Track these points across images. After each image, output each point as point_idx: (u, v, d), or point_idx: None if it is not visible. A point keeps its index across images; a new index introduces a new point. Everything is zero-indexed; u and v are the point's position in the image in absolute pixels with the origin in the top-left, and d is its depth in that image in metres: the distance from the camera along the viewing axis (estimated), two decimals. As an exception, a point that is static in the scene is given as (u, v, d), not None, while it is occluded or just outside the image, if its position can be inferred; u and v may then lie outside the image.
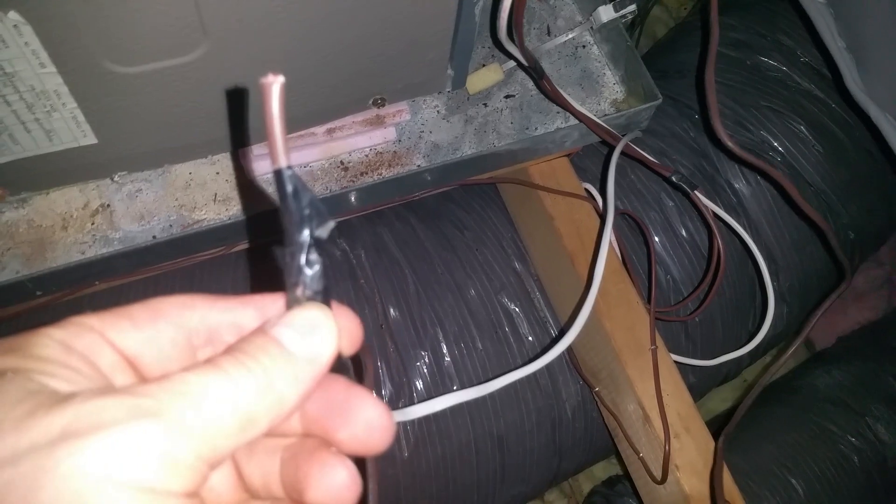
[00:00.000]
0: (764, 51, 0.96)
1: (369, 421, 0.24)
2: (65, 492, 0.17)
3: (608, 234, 0.61)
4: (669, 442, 0.62)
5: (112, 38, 0.44)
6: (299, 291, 0.22)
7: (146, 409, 0.19)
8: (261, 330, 0.22)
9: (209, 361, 0.21)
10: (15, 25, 0.41)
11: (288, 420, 0.23)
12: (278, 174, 0.21)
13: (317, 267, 0.22)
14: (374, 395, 0.25)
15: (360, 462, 0.25)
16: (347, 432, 0.24)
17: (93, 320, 0.22)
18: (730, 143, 0.55)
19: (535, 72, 0.62)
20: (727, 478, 0.62)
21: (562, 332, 0.78)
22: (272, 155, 0.21)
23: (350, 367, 0.25)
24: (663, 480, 0.63)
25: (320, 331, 0.22)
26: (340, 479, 0.24)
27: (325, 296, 0.22)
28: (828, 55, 0.67)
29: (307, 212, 0.21)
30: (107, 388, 0.20)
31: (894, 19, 0.54)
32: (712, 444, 0.64)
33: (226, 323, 0.24)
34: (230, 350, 0.21)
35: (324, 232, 0.22)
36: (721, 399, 1.27)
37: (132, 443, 0.18)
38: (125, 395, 0.19)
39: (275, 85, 0.21)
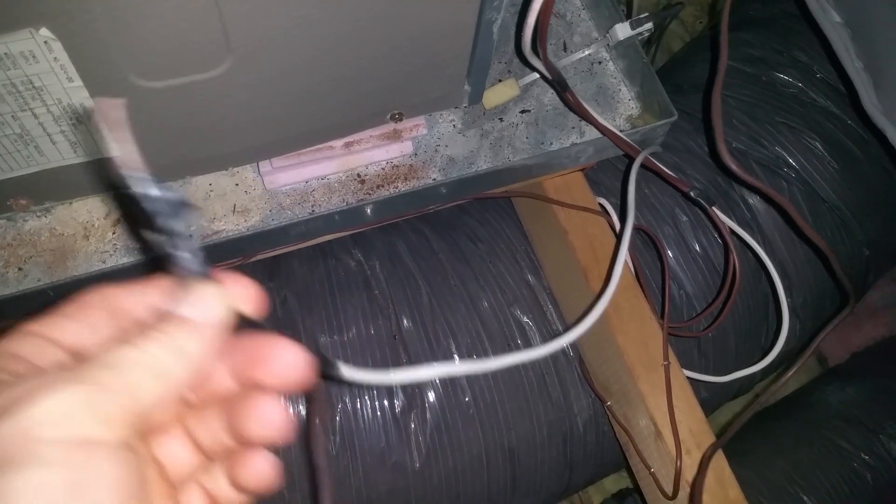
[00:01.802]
0: (779, 66, 0.96)
1: (286, 360, 0.28)
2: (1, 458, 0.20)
3: (627, 241, 0.60)
4: (681, 458, 0.63)
5: (139, 54, 0.45)
6: (185, 273, 0.26)
7: (70, 378, 0.22)
8: (164, 310, 0.26)
9: (123, 339, 0.24)
10: (46, 41, 0.42)
11: (208, 375, 0.28)
12: (131, 179, 0.24)
13: (190, 252, 0.26)
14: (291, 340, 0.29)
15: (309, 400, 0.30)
16: (269, 374, 0.28)
17: (32, 325, 0.26)
18: (733, 166, 0.56)
19: (558, 84, 0.63)
20: (737, 493, 0.62)
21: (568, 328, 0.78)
22: (119, 162, 0.24)
23: (266, 326, 0.28)
24: (674, 496, 0.63)
25: (209, 301, 0.26)
26: (271, 410, 0.28)
27: (207, 272, 0.26)
28: (843, 73, 0.67)
29: (169, 207, 0.25)
30: (38, 373, 0.23)
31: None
32: (724, 461, 0.64)
33: (141, 305, 0.28)
34: (142, 328, 0.25)
35: (187, 221, 0.25)
36: (733, 413, 1.26)
37: (60, 405, 0.21)
38: (52, 374, 0.23)
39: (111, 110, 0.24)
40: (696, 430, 0.64)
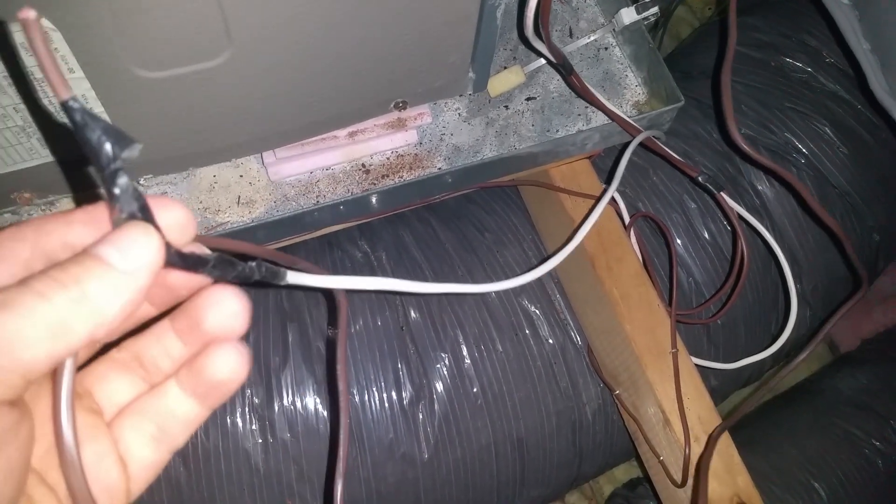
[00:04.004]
0: (788, 51, 0.95)
1: (224, 311, 0.26)
2: None
3: (602, 207, 0.59)
4: (689, 445, 0.62)
5: (138, 44, 0.44)
6: (118, 211, 0.23)
7: None
8: (84, 250, 0.23)
9: (21, 281, 0.21)
10: (45, 32, 0.41)
11: (123, 323, 0.25)
12: (64, 106, 0.22)
13: (126, 187, 0.23)
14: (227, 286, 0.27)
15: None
16: (208, 328, 0.27)
17: None
18: (745, 146, 0.55)
19: (563, 68, 0.62)
20: (745, 479, 0.62)
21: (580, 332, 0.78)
22: (53, 88, 0.22)
23: (211, 260, 0.25)
24: (683, 484, 0.63)
25: (137, 245, 0.23)
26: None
27: (144, 211, 0.23)
28: (852, 57, 0.66)
29: (104, 137, 0.22)
30: None
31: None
32: (733, 448, 0.63)
33: (58, 243, 0.25)
34: (52, 268, 0.22)
35: (128, 152, 0.22)
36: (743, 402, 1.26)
37: None
38: None
39: (31, 20, 0.21)
40: (704, 418, 0.64)
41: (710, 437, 0.61)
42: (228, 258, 0.26)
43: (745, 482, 0.62)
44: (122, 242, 0.22)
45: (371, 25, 0.50)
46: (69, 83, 0.22)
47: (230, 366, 0.27)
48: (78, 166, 0.54)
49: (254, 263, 0.26)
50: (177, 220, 0.25)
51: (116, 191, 0.22)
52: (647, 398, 0.66)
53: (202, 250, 0.26)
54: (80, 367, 0.28)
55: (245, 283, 0.27)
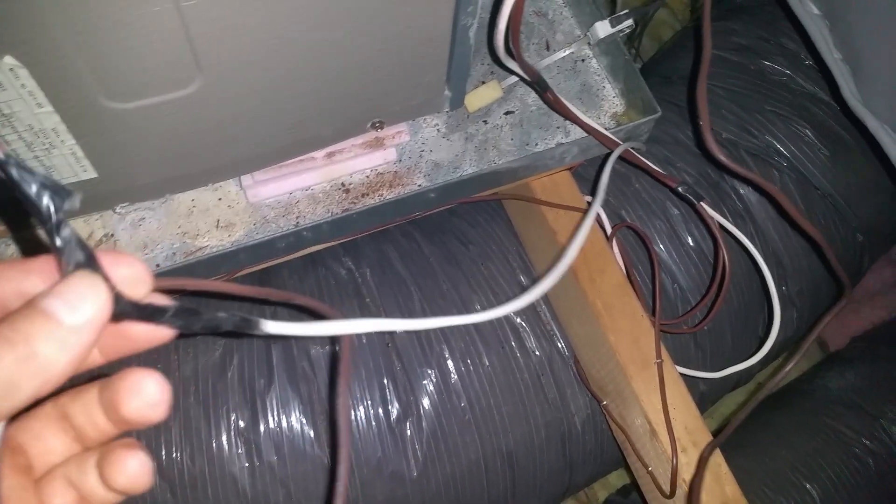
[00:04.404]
0: (767, 55, 0.95)
1: (143, 400, 0.26)
2: None
3: (587, 227, 0.59)
4: (677, 456, 0.62)
5: (107, 77, 0.44)
6: (64, 264, 0.23)
7: None
8: (30, 302, 0.22)
9: None
10: (11, 69, 0.41)
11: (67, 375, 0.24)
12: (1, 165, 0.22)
13: (69, 239, 0.22)
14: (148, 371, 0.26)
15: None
16: (126, 409, 0.26)
17: None
18: (721, 156, 0.55)
19: (538, 85, 0.62)
20: (734, 489, 0.62)
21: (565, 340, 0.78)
22: None
23: (170, 310, 0.25)
24: (672, 495, 0.63)
25: (84, 297, 0.22)
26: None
27: (90, 261, 0.23)
28: (825, 66, 0.66)
29: (42, 191, 0.22)
30: None
31: (889, 31, 0.54)
32: (720, 457, 0.63)
33: (12, 292, 0.25)
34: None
35: (68, 204, 0.22)
36: (735, 403, 1.26)
37: None
38: None
39: None
40: (691, 428, 0.64)
41: (700, 456, 0.61)
42: (192, 308, 0.25)
43: (733, 492, 0.62)
44: (68, 294, 0.22)
45: (343, 48, 0.50)
46: (4, 142, 0.22)
47: (129, 475, 0.27)
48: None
49: (224, 314, 0.26)
50: (130, 273, 0.25)
51: (59, 243, 0.22)
52: (633, 409, 0.66)
53: (162, 300, 0.25)
54: (15, 418, 0.27)
55: (216, 334, 0.26)
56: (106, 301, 0.23)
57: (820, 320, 0.62)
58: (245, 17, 0.44)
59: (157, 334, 0.26)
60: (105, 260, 0.23)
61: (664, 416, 0.63)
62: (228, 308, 0.28)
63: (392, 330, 0.33)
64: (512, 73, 0.61)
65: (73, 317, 0.22)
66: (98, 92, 0.45)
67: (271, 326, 0.26)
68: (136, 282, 0.25)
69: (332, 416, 0.69)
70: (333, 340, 0.30)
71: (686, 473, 0.62)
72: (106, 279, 0.23)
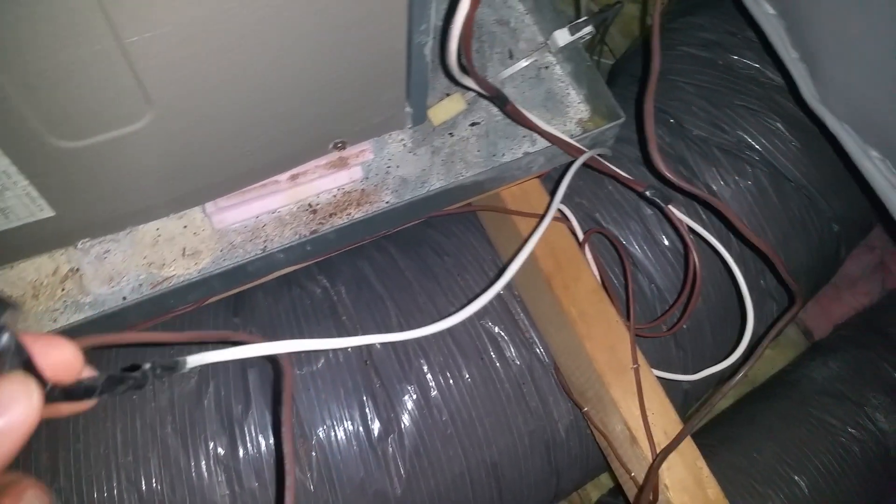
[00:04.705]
0: (735, 49, 0.95)
1: None
2: None
3: (542, 230, 0.59)
4: (656, 461, 0.62)
5: (54, 117, 0.44)
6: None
7: None
8: None
9: None
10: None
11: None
12: None
13: (6, 347, 0.23)
14: None
15: None
16: None
17: None
18: (668, 174, 0.55)
19: (497, 100, 0.62)
20: (716, 492, 0.62)
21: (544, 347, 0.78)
22: None
23: (98, 387, 0.26)
24: (655, 500, 0.63)
25: (14, 404, 0.23)
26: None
27: (21, 358, 0.23)
28: (783, 66, 0.66)
29: None
30: None
31: (845, 30, 0.54)
32: (701, 460, 0.63)
33: None
34: None
35: (6, 318, 0.23)
36: (727, 397, 1.26)
37: None
38: None
39: None
40: (670, 432, 0.64)
41: (650, 467, 0.61)
42: (118, 376, 0.26)
43: (715, 495, 0.62)
44: (1, 399, 0.23)
45: (297, 73, 0.50)
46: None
47: None
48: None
49: (147, 366, 0.26)
50: (62, 359, 0.25)
51: None
52: (613, 415, 0.66)
53: (89, 374, 0.26)
54: None
55: (143, 386, 0.26)
56: (37, 401, 0.23)
57: (769, 333, 0.62)
58: (191, 49, 0.43)
59: (82, 406, 0.27)
60: (38, 346, 0.24)
61: (643, 422, 0.63)
62: (168, 351, 0.29)
63: (312, 349, 0.35)
64: (471, 90, 0.61)
65: (4, 419, 0.23)
66: (46, 132, 0.44)
67: (192, 360, 0.28)
68: (68, 366, 0.25)
69: (277, 444, 0.68)
70: (277, 371, 0.31)
71: (667, 479, 0.62)
72: (39, 377, 0.24)
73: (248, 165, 0.57)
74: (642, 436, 0.63)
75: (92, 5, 0.38)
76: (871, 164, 0.60)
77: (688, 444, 0.64)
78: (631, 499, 0.70)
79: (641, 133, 0.72)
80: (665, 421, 0.64)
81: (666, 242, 0.85)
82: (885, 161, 0.58)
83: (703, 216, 0.85)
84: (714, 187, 0.88)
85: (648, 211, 0.85)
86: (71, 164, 0.48)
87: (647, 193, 0.67)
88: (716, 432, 1.06)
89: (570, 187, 0.85)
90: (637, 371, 0.65)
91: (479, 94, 0.65)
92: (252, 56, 0.47)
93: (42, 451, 0.67)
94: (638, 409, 0.63)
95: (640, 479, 0.66)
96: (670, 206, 0.66)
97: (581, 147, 0.65)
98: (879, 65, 0.52)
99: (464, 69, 0.52)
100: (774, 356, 1.27)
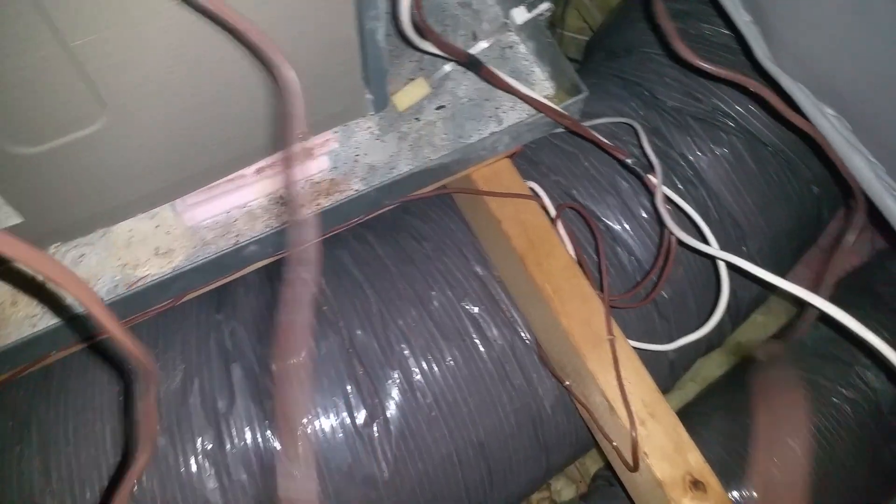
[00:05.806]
0: (705, 16, 0.95)
1: None
2: None
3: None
4: (636, 430, 0.63)
5: (10, 123, 0.44)
6: None
7: None
8: None
9: None
10: None
11: None
12: None
13: None
14: None
15: None
16: None
17: None
18: (699, 62, 0.55)
19: (471, 66, 0.62)
20: (696, 457, 0.62)
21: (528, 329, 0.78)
22: None
23: None
24: (636, 468, 0.63)
25: None
26: None
27: None
28: (735, 30, 0.66)
29: None
30: None
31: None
32: (680, 426, 0.64)
33: None
34: None
35: None
36: (716, 365, 1.26)
37: None
38: None
39: None
40: (648, 400, 0.64)
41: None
42: None
43: (696, 459, 0.62)
44: None
45: (247, 69, 0.50)
46: None
47: None
48: None
49: None
50: None
51: None
52: (591, 387, 0.67)
53: None
54: None
55: None
56: None
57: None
58: (139, 49, 0.44)
59: None
60: None
61: (620, 392, 0.64)
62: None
63: None
64: (440, 57, 0.61)
65: None
66: (2, 140, 0.45)
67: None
68: None
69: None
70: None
71: (646, 446, 0.63)
72: None
73: (210, 161, 0.58)
74: (620, 406, 0.64)
75: (30, 11, 0.38)
76: (826, 122, 0.60)
77: (665, 412, 0.64)
78: (615, 467, 0.71)
79: (660, 33, 0.72)
80: (642, 390, 0.65)
81: (644, 215, 0.85)
82: (840, 118, 0.59)
83: (680, 186, 0.86)
84: (690, 157, 0.88)
85: (625, 184, 0.86)
86: (32, 170, 0.48)
87: (629, 162, 0.67)
88: (709, 400, 1.06)
89: (547, 166, 0.86)
90: (613, 342, 0.65)
91: (455, 62, 0.65)
92: (200, 53, 0.47)
93: (34, 455, 0.68)
94: (615, 380, 0.64)
95: (622, 448, 0.67)
96: (649, 176, 0.67)
97: (561, 110, 0.66)
98: (829, 22, 0.53)
99: (420, 32, 0.52)
100: (766, 322, 1.27)
